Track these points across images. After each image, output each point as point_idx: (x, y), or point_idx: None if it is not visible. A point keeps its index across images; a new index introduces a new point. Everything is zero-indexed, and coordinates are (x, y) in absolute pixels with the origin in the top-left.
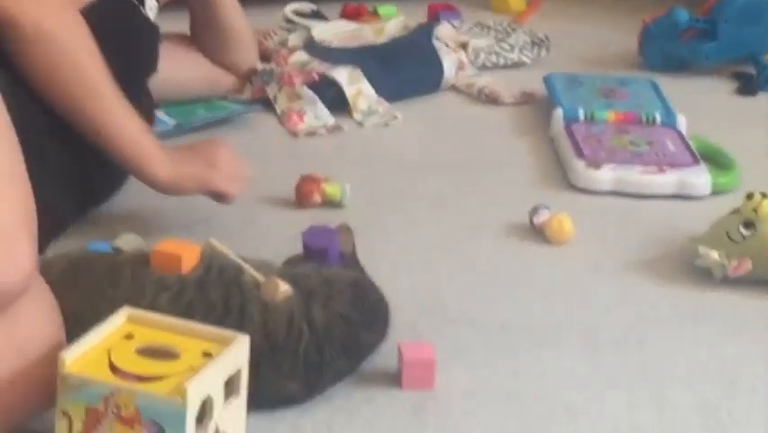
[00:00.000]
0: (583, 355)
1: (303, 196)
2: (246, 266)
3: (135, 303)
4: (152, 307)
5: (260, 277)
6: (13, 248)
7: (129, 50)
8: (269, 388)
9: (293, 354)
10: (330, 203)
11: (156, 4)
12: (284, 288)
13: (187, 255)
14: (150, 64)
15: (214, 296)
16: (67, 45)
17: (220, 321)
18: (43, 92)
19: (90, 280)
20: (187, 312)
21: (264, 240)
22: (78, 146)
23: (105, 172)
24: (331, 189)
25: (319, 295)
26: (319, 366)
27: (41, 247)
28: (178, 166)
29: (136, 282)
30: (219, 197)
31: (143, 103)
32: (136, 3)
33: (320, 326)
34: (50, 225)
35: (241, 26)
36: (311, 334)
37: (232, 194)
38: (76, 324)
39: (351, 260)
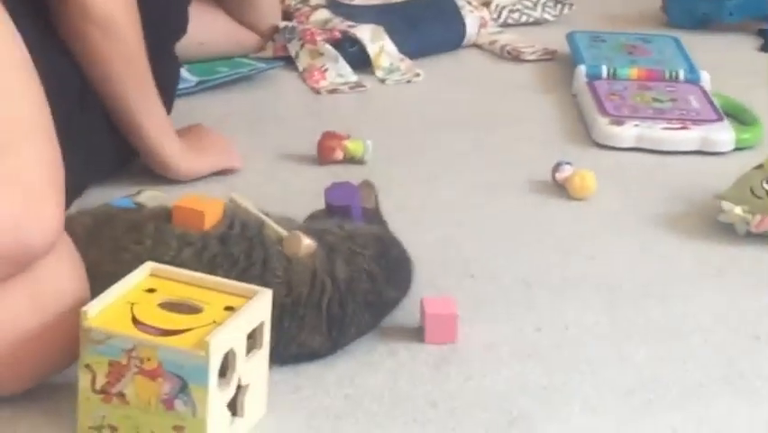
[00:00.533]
0: (605, 310)
1: (325, 152)
2: (269, 221)
3: (158, 258)
4: (175, 262)
5: (282, 231)
6: (41, 207)
7: (160, 16)
8: (291, 342)
9: (316, 309)
10: (352, 159)
11: None
12: (307, 242)
13: (210, 211)
14: (179, 29)
15: (237, 251)
16: (127, 34)
17: (242, 276)
18: (90, 70)
19: (113, 235)
20: (209, 267)
21: (286, 197)
22: (102, 115)
23: (125, 141)
24: (353, 146)
25: (342, 250)
26: (342, 321)
27: (66, 204)
28: (191, 156)
29: (159, 238)
30: (227, 171)
31: (170, 63)
32: None
33: (343, 281)
34: (75, 183)
35: None
36: (334, 288)
37: (239, 166)
38: (99, 279)
39: (374, 215)
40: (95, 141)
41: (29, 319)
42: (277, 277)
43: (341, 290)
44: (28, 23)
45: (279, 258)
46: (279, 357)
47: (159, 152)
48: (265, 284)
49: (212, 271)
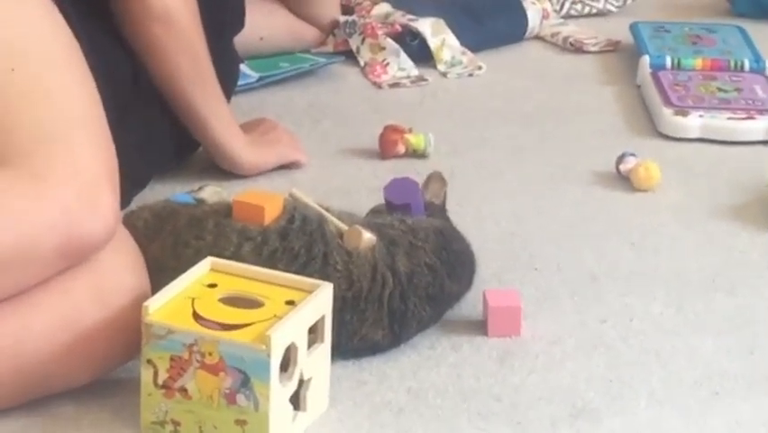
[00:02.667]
0: (671, 302)
1: (387, 146)
2: (329, 215)
3: (219, 253)
4: (236, 257)
5: (343, 226)
6: (97, 198)
7: (218, 8)
8: (353, 336)
9: (377, 303)
10: (414, 153)
11: None
12: (367, 236)
13: (270, 206)
14: (237, 21)
15: (297, 245)
16: (188, 29)
17: (303, 270)
18: (153, 67)
19: (174, 230)
20: (270, 262)
21: (349, 191)
22: (163, 100)
23: (184, 131)
24: (415, 140)
25: (403, 244)
26: (403, 315)
27: (126, 199)
28: (256, 150)
29: (219, 232)
30: (292, 165)
31: (230, 59)
32: None
33: (404, 274)
34: (134, 178)
35: None
36: (395, 282)
37: (304, 160)
38: (160, 274)
39: (438, 210)
40: (152, 132)
41: (91, 314)
42: (337, 271)
43: (402, 283)
44: (77, 14)
45: (340, 252)
46: (342, 351)
47: (224, 147)
48: (326, 278)
49: (272, 266)
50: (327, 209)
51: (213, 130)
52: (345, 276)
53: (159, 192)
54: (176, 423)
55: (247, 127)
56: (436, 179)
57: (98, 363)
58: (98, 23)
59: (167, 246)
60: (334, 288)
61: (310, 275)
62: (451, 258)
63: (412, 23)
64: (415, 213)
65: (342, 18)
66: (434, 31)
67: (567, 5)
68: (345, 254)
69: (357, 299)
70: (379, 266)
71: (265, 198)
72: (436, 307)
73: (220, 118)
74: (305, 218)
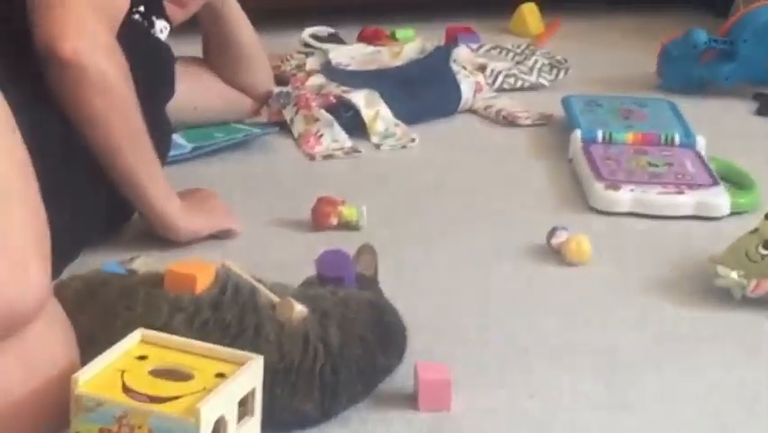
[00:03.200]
0: (600, 377)
1: (319, 218)
2: (261, 287)
3: (150, 324)
4: (167, 327)
5: (274, 297)
6: (25, 271)
7: (147, 75)
8: (283, 409)
9: (308, 375)
10: (347, 225)
11: (167, 25)
12: (299, 308)
13: (202, 276)
14: (167, 88)
15: (229, 316)
16: (124, 95)
17: (235, 341)
18: (89, 134)
19: (104, 301)
20: (201, 333)
21: (281, 262)
22: (95, 170)
23: (121, 197)
24: (348, 212)
25: (335, 316)
26: (334, 388)
27: (57, 270)
28: (191, 216)
29: (150, 303)
30: (225, 234)
31: (162, 127)
32: (146, 26)
33: (336, 347)
34: (66, 248)
35: (254, 46)
36: (327, 355)
37: (238, 230)
38: (90, 345)
39: (369, 283)
40: (83, 201)
41: (19, 386)
42: (269, 343)
43: (334, 356)
44: (11, 78)
45: (272, 324)
46: (271, 424)
47: (159, 210)
48: (257, 350)
49: (203, 337)
50: (260, 281)
51: (149, 194)
52: (277, 347)
53: (92, 262)
54: None
55: (183, 195)
56: (367, 251)
57: None
58: (29, 92)
59: (97, 317)
60: (266, 360)
61: (242, 347)
62: (383, 331)
63: (346, 95)
64: (347, 285)
65: (277, 89)
66: (367, 102)
67: (500, 79)
68: (277, 326)
69: (288, 371)
70: (311, 338)
71: (197, 268)
72: (367, 381)
73: (156, 182)
74: (237, 288)
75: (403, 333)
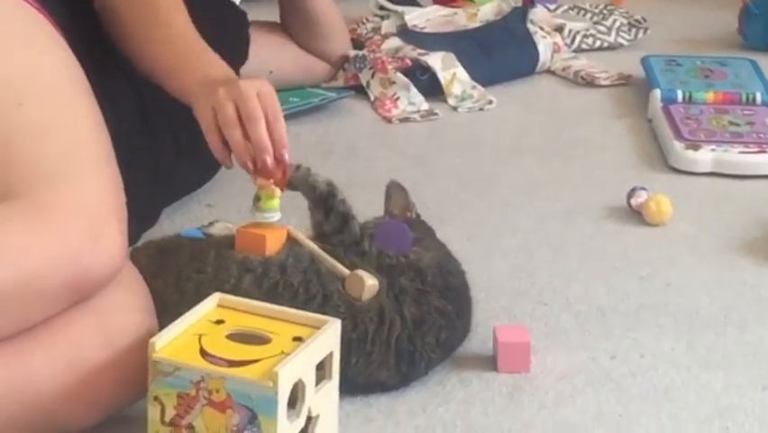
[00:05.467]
0: (681, 337)
1: None
2: (328, 257)
3: (219, 286)
4: (237, 289)
5: (344, 270)
6: (102, 235)
7: (220, 40)
8: (359, 375)
9: (384, 346)
10: None
11: None
12: (370, 283)
13: (272, 237)
14: (241, 53)
15: (296, 281)
16: None
17: (305, 307)
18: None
19: (176, 265)
20: (271, 295)
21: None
22: (171, 137)
23: (195, 163)
24: None
25: (410, 290)
26: (411, 356)
27: (134, 236)
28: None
29: (220, 265)
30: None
31: None
32: None
33: (412, 321)
34: (143, 214)
35: (331, 13)
36: (403, 327)
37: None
38: (164, 309)
39: (418, 226)
40: (161, 169)
41: (97, 352)
42: (339, 313)
43: (409, 329)
44: (85, 49)
45: (340, 294)
46: (349, 387)
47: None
48: (327, 314)
49: (273, 300)
50: (323, 248)
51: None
52: (350, 318)
53: (171, 228)
54: None
55: None
56: (396, 188)
57: (105, 402)
58: (106, 58)
59: (169, 281)
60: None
61: (312, 311)
62: (456, 298)
63: (422, 58)
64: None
65: (353, 53)
66: (444, 65)
67: (578, 39)
68: (347, 297)
69: (362, 341)
70: (386, 312)
71: (268, 229)
72: (445, 349)
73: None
74: (297, 255)
75: (467, 292)
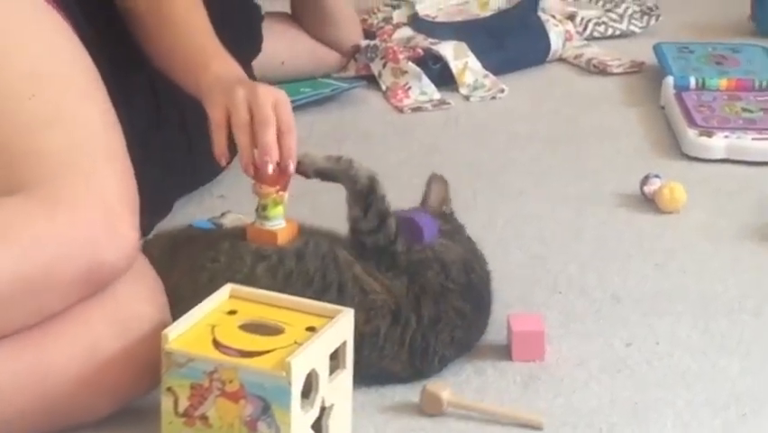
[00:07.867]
0: (697, 323)
1: None
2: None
3: (233, 275)
4: (251, 277)
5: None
6: (117, 226)
7: (233, 32)
8: (371, 367)
9: (397, 342)
10: None
11: None
12: (447, 397)
13: (283, 230)
14: (253, 45)
15: (312, 268)
16: None
17: (319, 297)
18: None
19: (190, 256)
20: (285, 284)
21: None
22: (184, 128)
23: (207, 158)
24: None
25: (431, 289)
26: (425, 352)
27: (147, 228)
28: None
29: (233, 254)
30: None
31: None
32: None
33: (429, 319)
34: (155, 206)
35: (342, 2)
36: (418, 325)
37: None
38: (178, 300)
39: (449, 220)
40: (173, 161)
41: (111, 344)
42: (354, 304)
43: (424, 327)
44: (99, 45)
45: (354, 285)
46: (363, 378)
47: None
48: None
49: (287, 289)
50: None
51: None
52: (364, 311)
53: (182, 219)
54: None
55: None
56: (437, 180)
57: (119, 392)
58: (120, 54)
59: (183, 272)
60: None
61: (326, 301)
62: (477, 297)
63: (434, 47)
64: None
65: (364, 42)
66: (456, 54)
67: (590, 27)
68: (361, 291)
69: (375, 335)
70: (402, 311)
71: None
72: (460, 347)
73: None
74: (317, 243)
75: (488, 293)
